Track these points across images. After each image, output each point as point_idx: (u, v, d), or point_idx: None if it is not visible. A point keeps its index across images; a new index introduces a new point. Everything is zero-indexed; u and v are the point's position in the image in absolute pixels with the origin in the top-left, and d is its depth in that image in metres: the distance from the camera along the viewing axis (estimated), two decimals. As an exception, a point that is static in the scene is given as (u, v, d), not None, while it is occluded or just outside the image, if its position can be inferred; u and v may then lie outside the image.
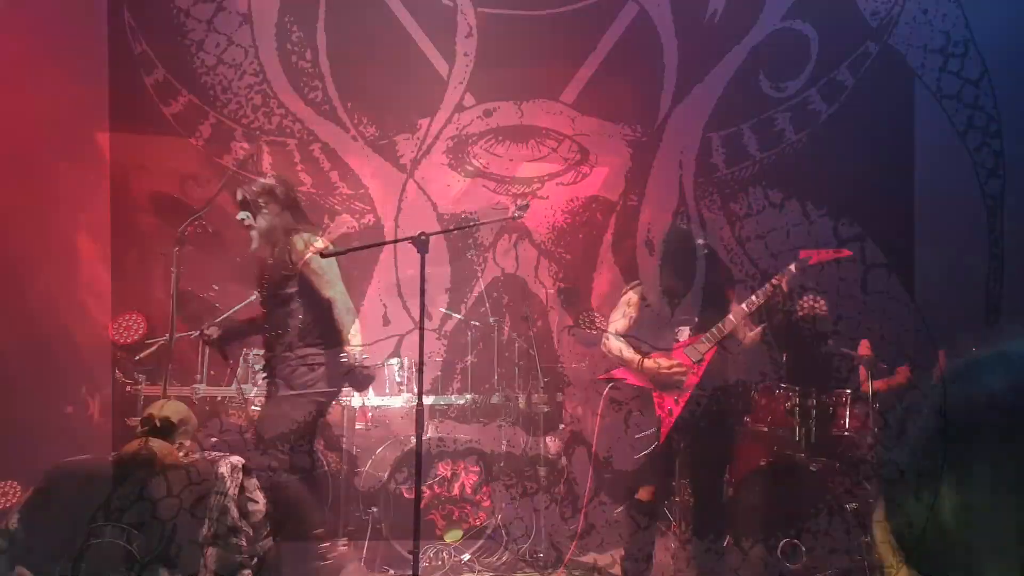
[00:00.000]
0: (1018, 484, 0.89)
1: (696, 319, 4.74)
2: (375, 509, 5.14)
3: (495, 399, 5.75)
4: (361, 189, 6.30)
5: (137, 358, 5.51)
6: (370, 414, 5.72)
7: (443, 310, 6.10)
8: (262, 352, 5.00)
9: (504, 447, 5.59)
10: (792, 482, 4.89)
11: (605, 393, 4.84)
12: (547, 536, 5.41)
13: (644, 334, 4.79)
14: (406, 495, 5.13)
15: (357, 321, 4.78)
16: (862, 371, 5.42)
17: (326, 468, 5.25)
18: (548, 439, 5.74)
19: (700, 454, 4.80)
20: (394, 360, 5.73)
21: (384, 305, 6.13)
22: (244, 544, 4.08)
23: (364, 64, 6.24)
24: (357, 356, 4.66)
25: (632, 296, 4.88)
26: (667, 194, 6.22)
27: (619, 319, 4.86)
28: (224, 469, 4.11)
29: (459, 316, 6.06)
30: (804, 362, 5.35)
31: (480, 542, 5.24)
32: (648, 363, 4.69)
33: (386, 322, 6.10)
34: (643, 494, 4.71)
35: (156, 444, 4.09)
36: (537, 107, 6.31)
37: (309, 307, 4.70)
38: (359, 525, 5.20)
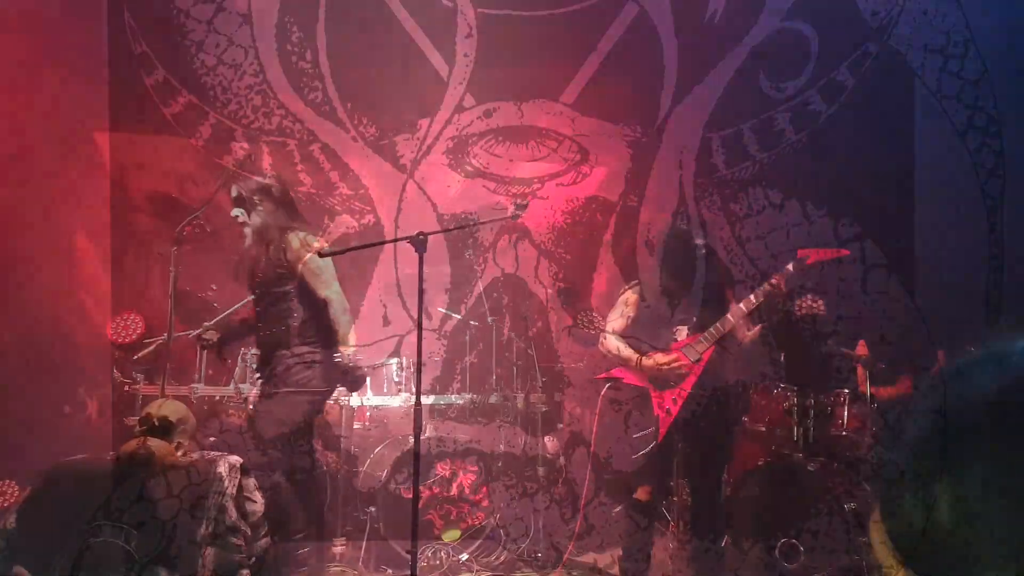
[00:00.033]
0: (1016, 484, 0.88)
1: (694, 319, 4.74)
2: (373, 509, 5.14)
3: (493, 399, 5.75)
4: (361, 189, 6.30)
5: (135, 357, 5.52)
6: (368, 413, 5.73)
7: (441, 310, 6.11)
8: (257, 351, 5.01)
9: (503, 447, 5.59)
10: (790, 482, 4.89)
11: (603, 393, 4.85)
12: (546, 536, 5.41)
13: (642, 333, 4.79)
14: (404, 495, 5.13)
15: (351, 322, 4.80)
16: (860, 371, 5.41)
17: (324, 468, 5.26)
18: (546, 439, 5.75)
19: (698, 454, 4.80)
20: (392, 360, 5.73)
21: (384, 305, 6.13)
22: (242, 544, 4.07)
23: (364, 64, 6.25)
24: (351, 357, 4.67)
25: (630, 296, 4.88)
26: (667, 194, 6.22)
27: (617, 318, 4.87)
28: (222, 469, 4.11)
29: (458, 316, 6.07)
30: (803, 362, 5.35)
31: (478, 542, 5.24)
32: (646, 361, 4.69)
33: (386, 322, 6.11)
34: (641, 494, 4.71)
35: (154, 443, 4.09)
36: (537, 107, 6.31)
37: (305, 306, 4.71)
38: (357, 525, 5.20)
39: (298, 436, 4.60)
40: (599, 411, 4.88)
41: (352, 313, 5.86)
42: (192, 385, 5.41)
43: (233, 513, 4.06)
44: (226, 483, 4.08)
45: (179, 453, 4.19)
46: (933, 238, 5.78)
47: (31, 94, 5.65)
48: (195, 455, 4.27)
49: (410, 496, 4.31)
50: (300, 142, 6.20)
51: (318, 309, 4.70)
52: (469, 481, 5.35)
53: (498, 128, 6.30)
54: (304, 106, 6.17)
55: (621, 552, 4.83)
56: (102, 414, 5.72)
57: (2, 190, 5.54)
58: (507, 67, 6.28)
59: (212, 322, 5.18)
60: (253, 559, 4.13)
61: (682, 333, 4.75)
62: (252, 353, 5.33)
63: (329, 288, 4.71)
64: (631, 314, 4.84)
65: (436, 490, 5.27)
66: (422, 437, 4.23)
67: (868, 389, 5.10)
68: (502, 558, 5.27)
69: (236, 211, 4.71)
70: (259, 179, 4.84)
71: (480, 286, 6.08)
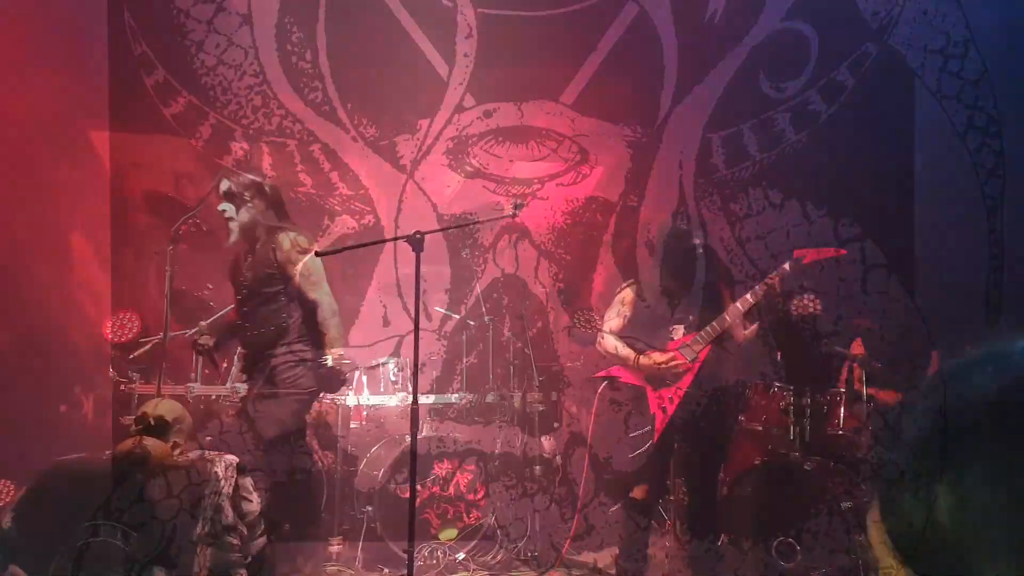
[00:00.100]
0: (1016, 484, 0.87)
1: (692, 318, 4.75)
2: (370, 508, 5.14)
3: (490, 398, 5.75)
4: (361, 190, 6.31)
5: (131, 357, 5.51)
6: (365, 413, 5.72)
7: (438, 309, 6.11)
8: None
9: (501, 447, 5.59)
10: (786, 481, 4.88)
11: (600, 391, 4.85)
12: (544, 535, 5.40)
13: (639, 332, 4.79)
14: (401, 495, 5.12)
15: (340, 324, 4.80)
16: (856, 370, 5.40)
17: (321, 467, 5.25)
18: (543, 439, 5.74)
19: (695, 452, 4.80)
20: (388, 359, 5.73)
21: (384, 306, 6.13)
22: (238, 543, 4.07)
23: (364, 65, 6.25)
24: (337, 360, 4.67)
25: (627, 295, 4.88)
26: (667, 195, 6.22)
27: (614, 317, 4.87)
28: (219, 468, 4.10)
29: (456, 316, 6.06)
30: (801, 362, 5.34)
31: (475, 541, 5.23)
32: (643, 360, 4.70)
33: (386, 323, 6.11)
34: (638, 492, 4.72)
35: (150, 443, 4.08)
36: (537, 108, 6.32)
37: (295, 307, 4.70)
38: (354, 524, 5.20)
39: (293, 436, 4.60)
40: (596, 410, 4.89)
41: (351, 313, 5.89)
42: (188, 384, 5.40)
43: (229, 513, 4.05)
44: (222, 483, 4.07)
45: (175, 452, 4.18)
46: (933, 238, 5.77)
47: (31, 94, 5.64)
48: (194, 454, 4.26)
49: (407, 496, 4.30)
50: (300, 142, 6.20)
51: (307, 311, 4.70)
52: (466, 480, 5.34)
53: (498, 128, 6.30)
54: (304, 106, 6.18)
55: (618, 551, 4.83)
56: (98, 413, 5.72)
57: (1, 189, 5.54)
58: (507, 67, 6.29)
59: (207, 322, 5.17)
60: (249, 559, 4.13)
61: (679, 332, 4.75)
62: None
63: (319, 290, 4.72)
64: (628, 313, 4.84)
65: (435, 489, 5.27)
66: (420, 436, 4.22)
67: (864, 388, 5.09)
68: (499, 557, 5.27)
69: (224, 206, 4.71)
70: (252, 176, 4.84)
71: (478, 288, 6.08)
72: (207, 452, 4.29)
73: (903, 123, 5.99)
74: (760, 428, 5.38)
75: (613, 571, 5.00)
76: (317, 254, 4.56)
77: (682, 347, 4.71)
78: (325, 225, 6.25)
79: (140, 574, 3.86)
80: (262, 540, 4.24)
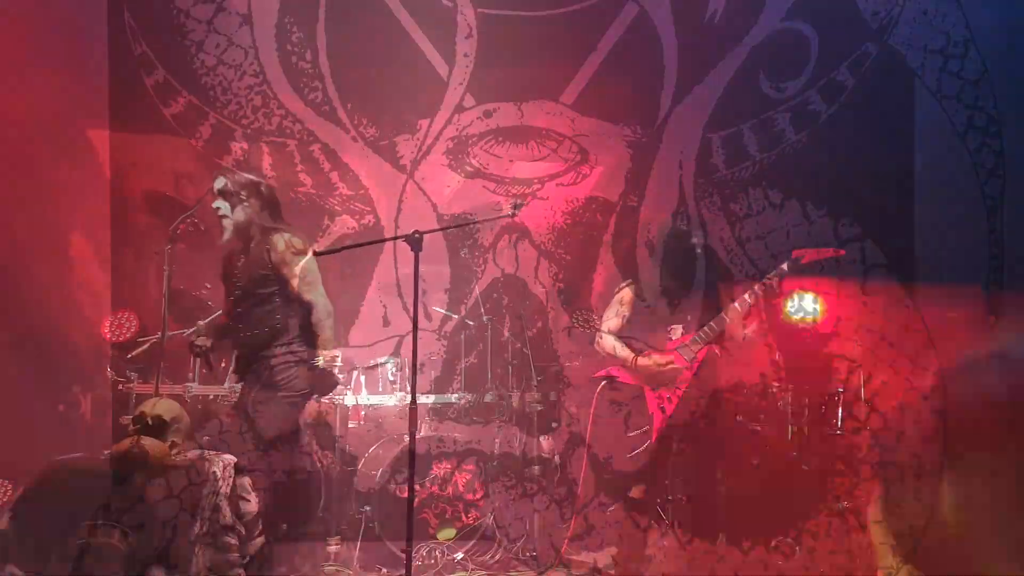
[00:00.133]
0: (1016, 484, 0.87)
1: (690, 318, 4.75)
2: (368, 508, 5.14)
3: (488, 398, 5.74)
4: (361, 190, 6.32)
5: (129, 356, 5.52)
6: (363, 412, 5.71)
7: (436, 309, 6.11)
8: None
9: (501, 447, 5.58)
10: (784, 481, 4.88)
11: (598, 391, 4.85)
12: (544, 535, 5.39)
13: (638, 332, 4.79)
14: (399, 494, 5.12)
15: (334, 326, 4.80)
16: (857, 372, 5.39)
17: (319, 467, 5.25)
18: (541, 439, 5.73)
19: (693, 452, 4.79)
20: (388, 359, 5.73)
21: (384, 306, 6.14)
22: (236, 543, 4.07)
23: (364, 65, 6.26)
24: (328, 362, 4.68)
25: (625, 294, 4.89)
26: (667, 195, 6.23)
27: (612, 317, 4.88)
28: (217, 468, 4.11)
29: (455, 316, 6.07)
30: (800, 362, 5.34)
31: (473, 541, 5.23)
32: (642, 360, 4.70)
33: (386, 323, 6.12)
34: (637, 492, 4.72)
35: (148, 442, 4.09)
36: (537, 108, 6.33)
37: (288, 308, 4.70)
38: (352, 524, 5.20)
39: (290, 437, 4.60)
40: (593, 409, 4.89)
41: (352, 314, 5.89)
42: (186, 384, 5.41)
43: (227, 512, 4.05)
44: (220, 483, 4.07)
45: (173, 452, 4.18)
46: (933, 238, 5.78)
47: (31, 94, 5.65)
48: (192, 454, 4.26)
49: (406, 495, 4.30)
50: (300, 142, 6.22)
51: (302, 312, 4.70)
52: (465, 480, 5.34)
53: (498, 128, 6.31)
54: (304, 106, 6.20)
55: (616, 551, 4.82)
56: (97, 413, 5.72)
57: (1, 189, 5.54)
58: (507, 67, 6.29)
59: (205, 322, 5.17)
60: (247, 559, 4.14)
61: (677, 332, 4.75)
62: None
63: (314, 291, 4.71)
64: (626, 313, 4.84)
65: (434, 489, 5.26)
66: (419, 436, 4.22)
67: (862, 389, 5.08)
68: (497, 557, 5.26)
69: (219, 203, 4.71)
70: (249, 175, 4.85)
71: (477, 289, 6.08)
72: (205, 452, 4.29)
73: (903, 123, 6.00)
74: (758, 428, 5.37)
75: (612, 571, 5.00)
76: (316, 254, 4.57)
77: (681, 347, 4.71)
78: (325, 225, 6.26)
79: (138, 574, 3.86)
80: (260, 540, 4.25)
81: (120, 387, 5.37)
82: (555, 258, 6.37)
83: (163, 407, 4.32)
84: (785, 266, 4.73)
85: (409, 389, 4.15)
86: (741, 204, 6.17)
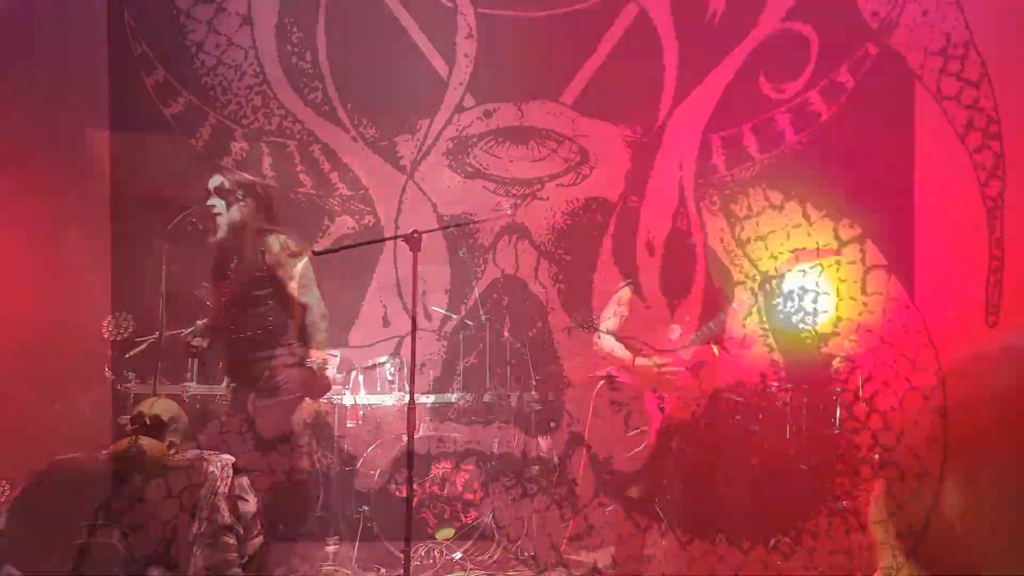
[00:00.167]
0: (1017, 484, 0.87)
1: (689, 318, 4.75)
2: (367, 508, 5.14)
3: (487, 397, 5.74)
4: (361, 190, 6.32)
5: (127, 356, 5.52)
6: (362, 412, 5.71)
7: (435, 308, 6.11)
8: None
9: (500, 447, 5.58)
10: (783, 481, 4.87)
11: (596, 391, 4.85)
12: (541, 535, 5.39)
13: (636, 332, 4.79)
14: (398, 494, 5.12)
15: (328, 328, 4.80)
16: (856, 372, 5.39)
17: (317, 466, 5.25)
18: (541, 439, 5.73)
19: (692, 452, 4.79)
20: (387, 359, 5.73)
21: (384, 306, 6.14)
22: (235, 543, 4.07)
23: (364, 65, 6.26)
24: (321, 364, 4.68)
25: (624, 294, 4.89)
26: (667, 195, 6.21)
27: (611, 317, 4.88)
28: (215, 468, 4.11)
29: (454, 316, 6.06)
30: (800, 362, 5.34)
31: (472, 541, 5.22)
32: (641, 360, 4.70)
33: (386, 323, 6.12)
34: (635, 492, 4.71)
35: (146, 442, 4.09)
36: (537, 108, 6.32)
37: (283, 310, 4.71)
38: (350, 524, 5.19)
39: (288, 437, 4.60)
40: (592, 409, 4.89)
41: (352, 314, 5.89)
42: (184, 384, 5.41)
43: (226, 512, 4.05)
44: (219, 482, 4.07)
45: (172, 452, 4.18)
46: (933, 238, 5.77)
47: (31, 94, 5.65)
48: (191, 454, 4.27)
49: (404, 495, 4.30)
50: (300, 143, 6.22)
51: (296, 314, 4.70)
52: (464, 480, 5.34)
53: (498, 129, 6.31)
54: (304, 106, 6.20)
55: (616, 551, 4.82)
56: (94, 412, 5.71)
57: (1, 189, 5.54)
58: (507, 67, 6.28)
59: (201, 323, 5.17)
60: (246, 558, 4.13)
61: (676, 332, 4.75)
62: None
63: (309, 294, 4.73)
64: (625, 313, 4.84)
65: (433, 489, 5.26)
66: (418, 436, 4.22)
67: (860, 388, 5.08)
68: (496, 556, 5.26)
69: (214, 201, 4.72)
70: (246, 175, 4.86)
71: (476, 290, 6.08)
72: (204, 452, 4.29)
73: (903, 124, 5.99)
74: (757, 428, 5.37)
75: (612, 571, 5.00)
76: (315, 253, 4.59)
77: (680, 347, 4.71)
78: (325, 225, 6.27)
79: (137, 574, 3.86)
80: (259, 540, 4.25)
81: (118, 387, 5.38)
82: (555, 258, 6.36)
83: (161, 407, 4.33)
84: (784, 266, 4.74)
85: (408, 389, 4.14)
86: (741, 205, 6.17)
